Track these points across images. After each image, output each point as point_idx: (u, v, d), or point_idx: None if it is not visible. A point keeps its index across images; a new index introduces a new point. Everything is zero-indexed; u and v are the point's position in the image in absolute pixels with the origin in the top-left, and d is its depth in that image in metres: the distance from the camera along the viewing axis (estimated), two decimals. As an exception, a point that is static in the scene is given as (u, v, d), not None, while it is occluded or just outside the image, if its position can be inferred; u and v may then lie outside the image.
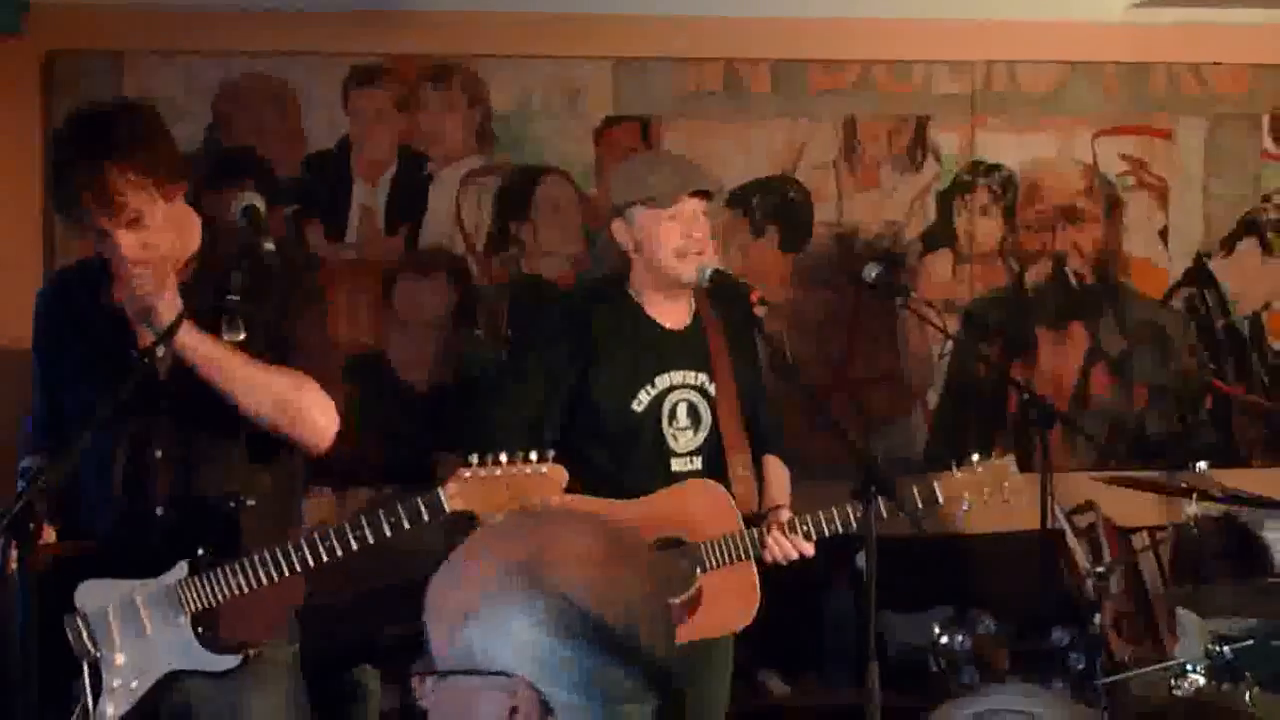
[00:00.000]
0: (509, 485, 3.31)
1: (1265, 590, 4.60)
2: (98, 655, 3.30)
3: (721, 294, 3.91)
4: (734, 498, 3.89)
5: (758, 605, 3.91)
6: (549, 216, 5.46)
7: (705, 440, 3.93)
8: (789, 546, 3.83)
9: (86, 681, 3.29)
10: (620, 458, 3.85)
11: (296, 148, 5.31)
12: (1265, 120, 5.81)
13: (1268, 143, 5.82)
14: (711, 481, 3.89)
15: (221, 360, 3.27)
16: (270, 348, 3.34)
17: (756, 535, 3.83)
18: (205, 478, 3.38)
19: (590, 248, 5.39)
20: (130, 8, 5.17)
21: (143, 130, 3.27)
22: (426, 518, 3.30)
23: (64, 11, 5.14)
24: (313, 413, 3.37)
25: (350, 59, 5.31)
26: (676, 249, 3.82)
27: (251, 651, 3.35)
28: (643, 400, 3.87)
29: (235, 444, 3.39)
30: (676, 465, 3.90)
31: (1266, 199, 5.83)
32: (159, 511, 3.36)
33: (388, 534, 3.30)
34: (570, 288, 5.29)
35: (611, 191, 3.98)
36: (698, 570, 3.82)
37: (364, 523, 3.30)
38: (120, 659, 3.31)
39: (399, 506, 3.31)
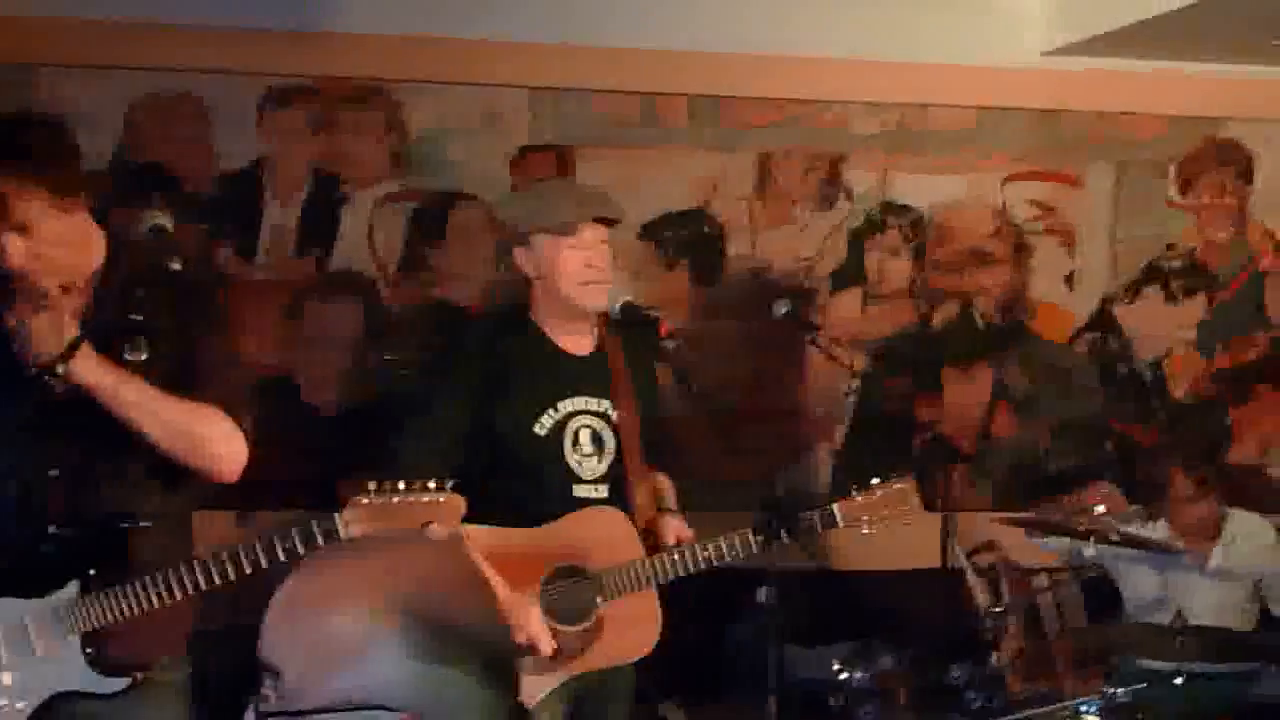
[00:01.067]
0: (405, 513, 3.29)
1: (1160, 632, 4.66)
2: None
3: (629, 324, 3.92)
4: (636, 525, 3.89)
5: (659, 634, 3.90)
6: (461, 241, 5.45)
7: (610, 468, 3.93)
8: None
9: None
10: (524, 484, 3.84)
11: (209, 165, 5.27)
12: (1171, 169, 5.90)
13: (1173, 191, 5.92)
14: (613, 509, 3.89)
15: (118, 389, 3.22)
16: (176, 369, 3.31)
17: (661, 559, 3.84)
18: (101, 498, 3.34)
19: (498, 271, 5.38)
20: (43, 19, 5.10)
21: (43, 141, 3.23)
22: (321, 544, 3.28)
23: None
24: (214, 444, 3.33)
25: (267, 78, 5.28)
26: (578, 277, 3.83)
27: (140, 675, 3.30)
28: (545, 424, 3.86)
29: (133, 464, 3.35)
30: (580, 492, 3.89)
31: (1171, 246, 5.93)
32: (52, 530, 3.32)
33: (282, 559, 3.27)
34: (479, 314, 5.28)
35: (511, 218, 3.98)
36: (598, 599, 3.82)
37: (257, 548, 3.27)
38: (7, 679, 3.26)
39: (293, 532, 3.29)
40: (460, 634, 1.70)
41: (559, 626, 3.78)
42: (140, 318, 3.22)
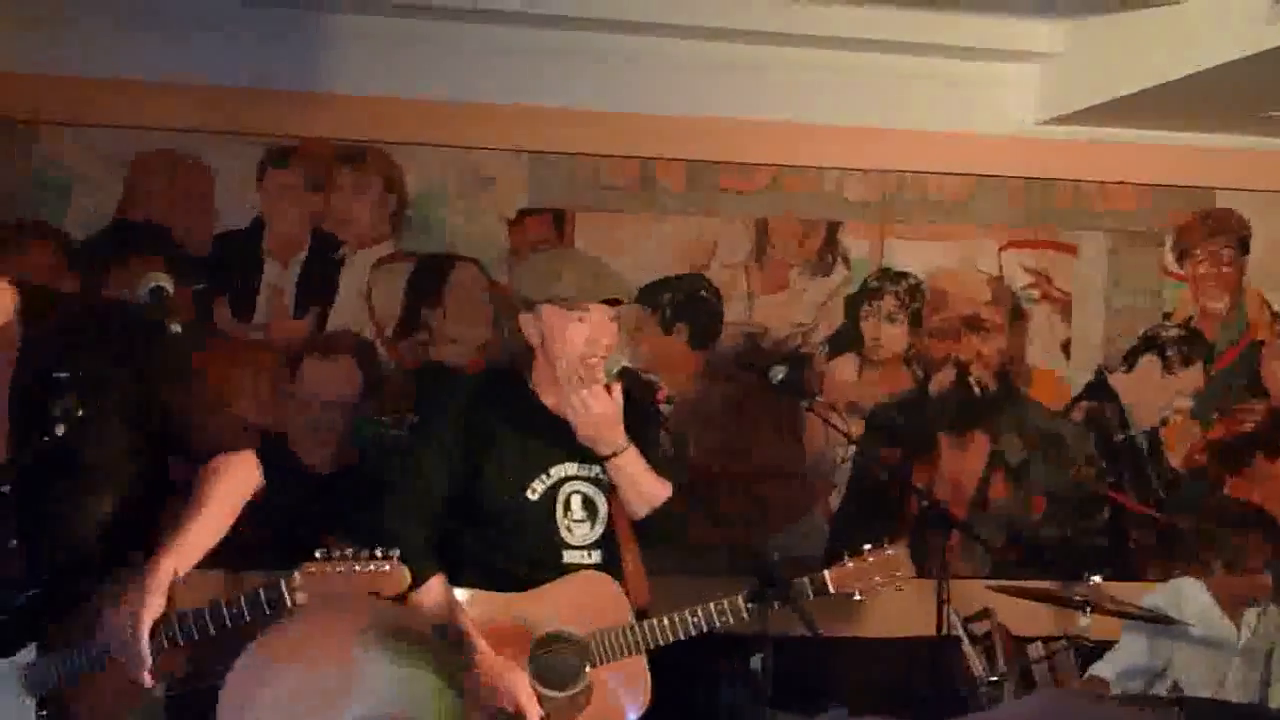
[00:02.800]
0: (351, 581, 3.30)
1: (1158, 702, 4.64)
2: None
3: (627, 389, 3.92)
4: (626, 591, 3.87)
5: (648, 700, 3.88)
6: (459, 304, 5.46)
7: (603, 534, 3.92)
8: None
9: None
10: (513, 548, 3.84)
11: (207, 225, 5.28)
12: (1168, 239, 5.93)
13: (1169, 260, 5.94)
14: (602, 574, 3.88)
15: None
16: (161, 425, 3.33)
17: (651, 626, 3.82)
18: (68, 562, 3.33)
19: (501, 335, 5.39)
20: (42, 76, 5.12)
21: None
22: (269, 610, 3.28)
23: (-25, 75, 5.11)
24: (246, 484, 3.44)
25: (266, 139, 5.31)
26: (582, 352, 3.83)
27: None
28: (536, 490, 3.86)
29: (99, 528, 3.35)
30: (571, 558, 3.88)
31: (1167, 316, 5.94)
32: (18, 597, 3.31)
33: (228, 624, 3.28)
34: (470, 375, 5.28)
35: (523, 284, 3.98)
36: (586, 666, 3.80)
37: (206, 614, 3.27)
38: None
39: (240, 597, 3.29)
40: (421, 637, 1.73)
41: (547, 692, 3.76)
42: (66, 374, 3.23)
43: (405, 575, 3.35)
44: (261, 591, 3.28)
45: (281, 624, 1.79)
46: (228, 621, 3.28)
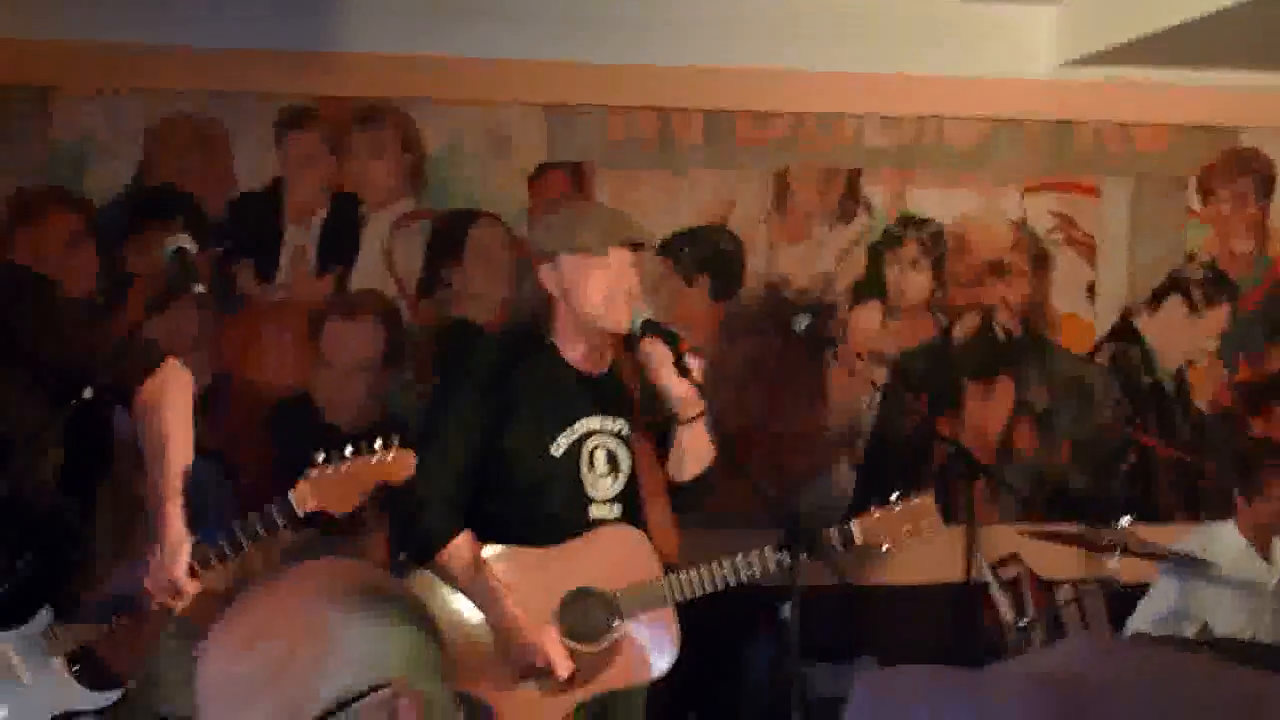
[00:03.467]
0: (357, 477, 3.30)
1: (1187, 645, 4.64)
2: None
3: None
4: (652, 542, 3.87)
5: (676, 653, 3.89)
6: (480, 260, 5.45)
7: (625, 487, 3.92)
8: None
9: None
10: (537, 504, 3.83)
11: (227, 188, 5.28)
12: (1191, 180, 5.89)
13: (1193, 201, 5.91)
14: (630, 528, 3.87)
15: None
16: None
17: (679, 579, 3.82)
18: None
19: (519, 292, 5.37)
20: (58, 42, 5.12)
21: None
22: (281, 524, 3.29)
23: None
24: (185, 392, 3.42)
25: (282, 100, 5.29)
26: (604, 298, 3.81)
27: (131, 683, 3.31)
28: (561, 445, 3.85)
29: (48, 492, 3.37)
30: (596, 512, 3.88)
31: (1191, 257, 5.91)
32: (19, 563, 3.33)
33: (245, 547, 3.29)
34: (492, 332, 5.27)
35: (540, 238, 3.96)
36: (615, 620, 3.81)
37: (221, 540, 3.28)
38: (3, 713, 3.27)
39: (252, 516, 3.30)
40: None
41: (576, 646, 3.77)
42: None
43: (409, 460, 3.35)
44: (272, 507, 3.29)
45: (252, 595, 1.78)
46: (244, 543, 3.29)
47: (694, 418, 3.87)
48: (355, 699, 1.69)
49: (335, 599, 1.73)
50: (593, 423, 3.88)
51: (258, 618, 1.73)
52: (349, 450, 3.30)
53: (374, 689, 1.70)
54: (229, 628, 1.74)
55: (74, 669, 3.28)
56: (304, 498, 3.30)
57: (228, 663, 1.71)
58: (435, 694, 1.74)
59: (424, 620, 1.77)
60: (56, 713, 3.28)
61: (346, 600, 1.73)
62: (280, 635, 1.71)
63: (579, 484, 3.85)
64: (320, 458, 3.30)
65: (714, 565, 3.81)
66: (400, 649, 1.73)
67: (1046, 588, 5.37)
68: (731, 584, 3.82)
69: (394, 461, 3.34)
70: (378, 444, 3.32)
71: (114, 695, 3.29)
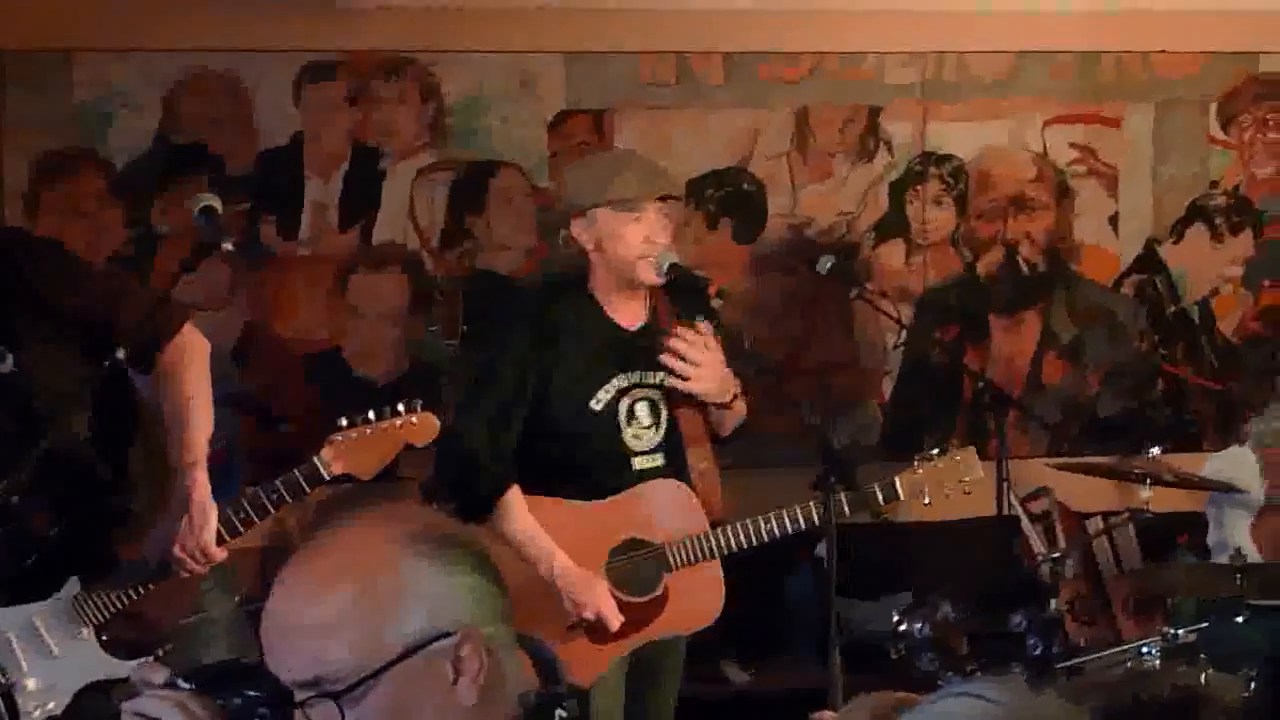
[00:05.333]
0: (383, 440, 3.32)
1: (1219, 571, 4.64)
2: (10, 684, 3.27)
3: (678, 287, 3.92)
4: (696, 492, 3.89)
5: (723, 603, 3.92)
6: (503, 210, 5.45)
7: (666, 436, 3.93)
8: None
9: (3, 711, 3.26)
10: (578, 457, 3.85)
11: (249, 144, 5.28)
12: (1213, 107, 5.86)
13: (1215, 129, 5.88)
14: (675, 481, 3.89)
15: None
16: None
17: (725, 531, 3.84)
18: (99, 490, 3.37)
19: (545, 240, 5.38)
20: (81, 2, 5.11)
21: None
22: (308, 488, 3.31)
23: (14, 6, 5.09)
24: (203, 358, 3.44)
25: (302, 54, 5.29)
26: (640, 252, 3.81)
27: (162, 650, 3.32)
28: (601, 399, 3.86)
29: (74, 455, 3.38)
30: (639, 464, 3.89)
31: (1215, 185, 5.89)
32: (51, 533, 3.35)
33: (272, 511, 3.31)
34: (527, 283, 5.28)
35: (572, 190, 3.95)
36: (663, 571, 3.83)
37: (245, 504, 3.30)
38: (31, 684, 3.28)
39: (278, 481, 3.32)
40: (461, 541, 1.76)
41: (625, 598, 3.80)
42: None
43: (434, 423, 3.36)
44: (297, 471, 3.31)
45: (320, 539, 1.80)
46: (270, 507, 3.32)
47: (733, 399, 3.90)
48: (422, 645, 1.72)
49: (404, 544, 1.75)
50: (632, 376, 3.89)
51: (328, 563, 1.75)
52: (372, 414, 3.32)
53: (441, 636, 1.72)
54: (299, 573, 1.76)
55: (103, 638, 3.29)
56: (329, 462, 3.32)
57: (299, 606, 1.74)
58: (499, 638, 1.77)
59: (488, 565, 1.80)
60: (87, 683, 3.30)
61: (415, 545, 1.75)
62: (352, 580, 1.73)
63: (619, 438, 3.86)
64: (344, 422, 3.32)
65: (760, 520, 3.84)
66: (467, 594, 1.75)
67: (1078, 520, 5.39)
68: (777, 536, 3.84)
69: (419, 425, 3.36)
70: (401, 407, 3.33)
71: (145, 662, 3.31)
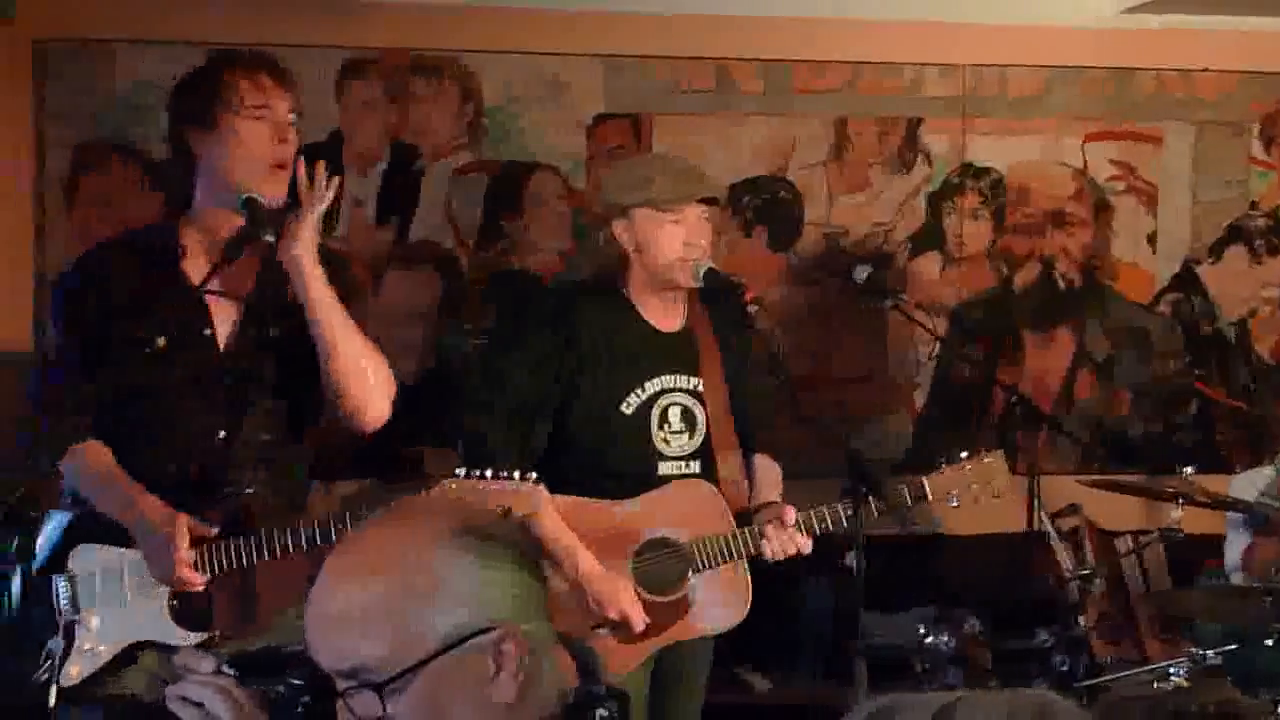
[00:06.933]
0: (488, 498, 3.32)
1: (1243, 593, 4.61)
2: (75, 618, 3.30)
3: (713, 293, 3.91)
4: (724, 494, 3.88)
5: (749, 606, 3.90)
6: (538, 212, 5.46)
7: (701, 444, 3.92)
8: (788, 542, 3.81)
9: (61, 640, 3.29)
10: (607, 460, 3.84)
11: (288, 139, 5.28)
12: (1255, 127, 5.82)
13: (1256, 149, 5.84)
14: (702, 481, 3.88)
15: (324, 290, 3.34)
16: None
17: (752, 532, 3.83)
18: (235, 455, 3.39)
19: (578, 243, 5.38)
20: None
21: None
22: None
23: (56, -1, 5.12)
24: (376, 387, 3.41)
25: (342, 50, 5.30)
26: (679, 254, 3.81)
27: (217, 633, 3.34)
28: (632, 403, 3.85)
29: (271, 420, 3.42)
30: (666, 469, 3.88)
31: (1254, 205, 5.85)
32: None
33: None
34: (555, 283, 5.28)
35: (613, 191, 3.94)
36: (689, 571, 3.82)
37: (347, 517, 3.31)
38: (95, 623, 3.33)
39: (362, 509, 3.32)
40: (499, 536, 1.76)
41: (650, 597, 3.79)
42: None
43: (543, 495, 3.36)
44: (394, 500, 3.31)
45: (361, 532, 1.81)
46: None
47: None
48: (462, 640, 1.72)
49: (445, 539, 1.75)
50: (666, 380, 3.88)
51: (372, 555, 1.76)
52: (488, 473, 3.32)
53: (481, 631, 1.72)
54: (342, 564, 1.77)
55: (173, 604, 3.32)
56: None
57: (342, 597, 1.74)
58: (539, 634, 1.76)
59: (529, 562, 1.80)
60: (141, 639, 3.33)
61: (456, 540, 1.75)
62: (394, 572, 1.73)
63: (648, 442, 3.85)
64: (460, 473, 3.33)
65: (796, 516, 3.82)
66: (507, 589, 1.75)
67: (1107, 538, 5.36)
68: (804, 535, 3.82)
69: (525, 494, 3.35)
70: (517, 474, 3.34)
71: (199, 637, 3.33)
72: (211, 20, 5.17)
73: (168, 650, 3.29)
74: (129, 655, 3.34)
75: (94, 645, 3.33)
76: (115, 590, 3.33)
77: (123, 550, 3.32)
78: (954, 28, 5.56)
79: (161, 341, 3.37)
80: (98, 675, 3.32)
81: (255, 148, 3.41)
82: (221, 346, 3.40)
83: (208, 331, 3.39)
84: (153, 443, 3.37)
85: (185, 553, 3.23)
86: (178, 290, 3.40)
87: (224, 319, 3.42)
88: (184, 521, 3.24)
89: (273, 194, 3.40)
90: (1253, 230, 5.85)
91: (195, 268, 3.42)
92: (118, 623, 3.33)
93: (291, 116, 3.46)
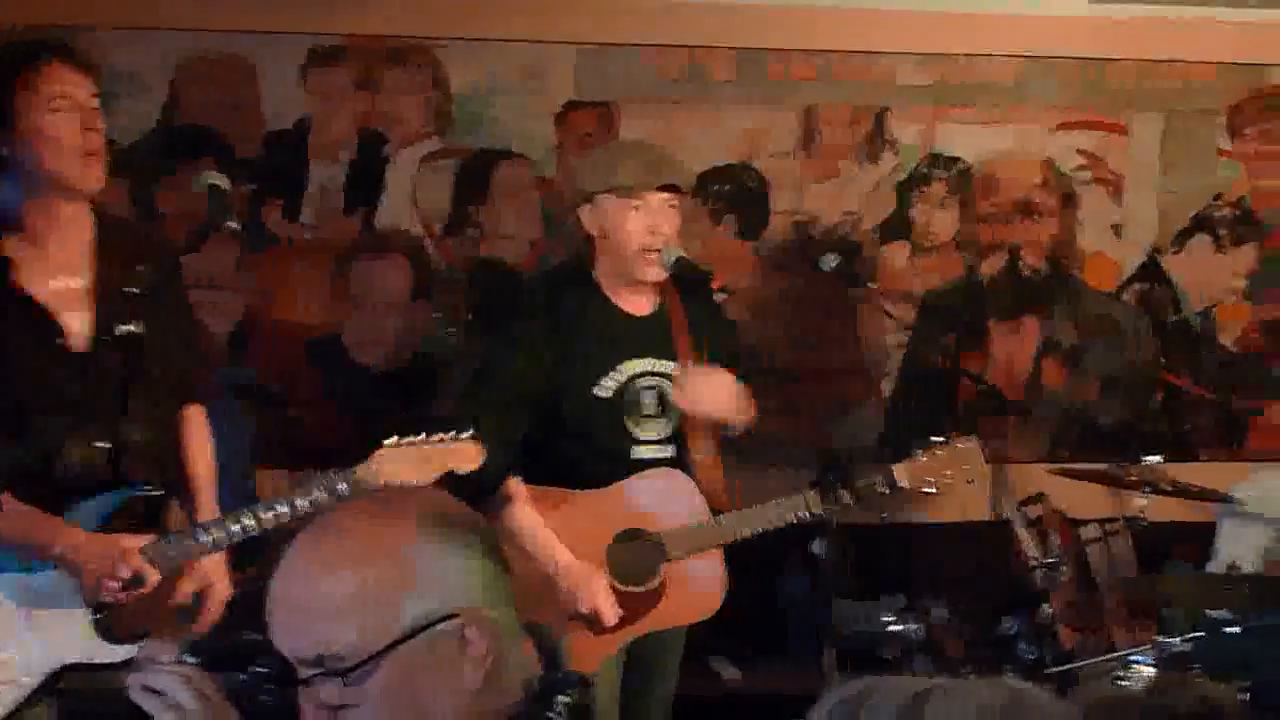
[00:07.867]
0: (429, 458, 3.31)
1: (1217, 580, 4.64)
2: None
3: (684, 280, 3.91)
4: (699, 484, 3.88)
5: (723, 596, 3.91)
6: (507, 200, 5.44)
7: (676, 428, 3.92)
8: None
9: None
10: (583, 446, 3.84)
11: (254, 126, 5.27)
12: (1222, 117, 5.85)
13: (1223, 139, 5.87)
14: (676, 470, 3.88)
15: None
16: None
17: (727, 519, 3.83)
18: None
19: (547, 231, 5.37)
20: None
21: None
22: (347, 492, 3.28)
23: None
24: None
25: (310, 38, 5.27)
26: (644, 241, 3.81)
27: (144, 642, 3.29)
28: (607, 387, 3.85)
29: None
30: (642, 453, 3.88)
31: (1220, 196, 5.88)
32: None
33: (308, 509, 3.27)
34: (533, 272, 5.27)
35: (579, 177, 3.96)
36: (662, 561, 3.82)
37: (276, 502, 3.27)
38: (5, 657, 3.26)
39: (314, 483, 3.29)
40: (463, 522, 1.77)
41: (623, 588, 3.79)
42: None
43: (479, 451, 3.36)
44: (335, 474, 3.29)
45: (326, 522, 1.80)
46: (305, 507, 3.29)
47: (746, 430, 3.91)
48: (427, 626, 1.72)
49: (414, 526, 1.75)
50: (641, 364, 3.88)
51: (337, 543, 1.75)
52: (423, 435, 3.31)
53: (446, 618, 1.72)
54: (307, 552, 1.76)
55: (98, 617, 3.26)
56: (376, 472, 3.29)
57: (307, 585, 1.73)
58: (505, 622, 1.77)
59: (496, 550, 1.80)
60: (67, 661, 3.26)
61: (425, 527, 1.75)
62: (361, 560, 1.73)
63: (623, 426, 3.85)
64: (394, 437, 3.31)
65: (760, 509, 3.82)
66: (475, 577, 1.75)
67: (1073, 526, 5.38)
68: (778, 525, 3.83)
69: (466, 450, 3.34)
70: (451, 432, 3.32)
71: (127, 651, 3.28)
72: (179, 8, 5.14)
73: (97, 669, 3.24)
74: (60, 679, 3.26)
75: (15, 677, 3.23)
76: (21, 621, 3.23)
77: (17, 575, 3.23)
78: (926, 16, 5.56)
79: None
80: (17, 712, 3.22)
81: (64, 139, 3.22)
82: (77, 350, 3.31)
83: (59, 340, 3.29)
84: (42, 458, 3.29)
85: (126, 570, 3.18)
86: (18, 305, 3.27)
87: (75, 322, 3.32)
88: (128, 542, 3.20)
89: (89, 185, 3.27)
90: (1217, 220, 5.88)
91: (31, 276, 3.28)
92: (39, 648, 3.24)
93: (95, 100, 3.28)
